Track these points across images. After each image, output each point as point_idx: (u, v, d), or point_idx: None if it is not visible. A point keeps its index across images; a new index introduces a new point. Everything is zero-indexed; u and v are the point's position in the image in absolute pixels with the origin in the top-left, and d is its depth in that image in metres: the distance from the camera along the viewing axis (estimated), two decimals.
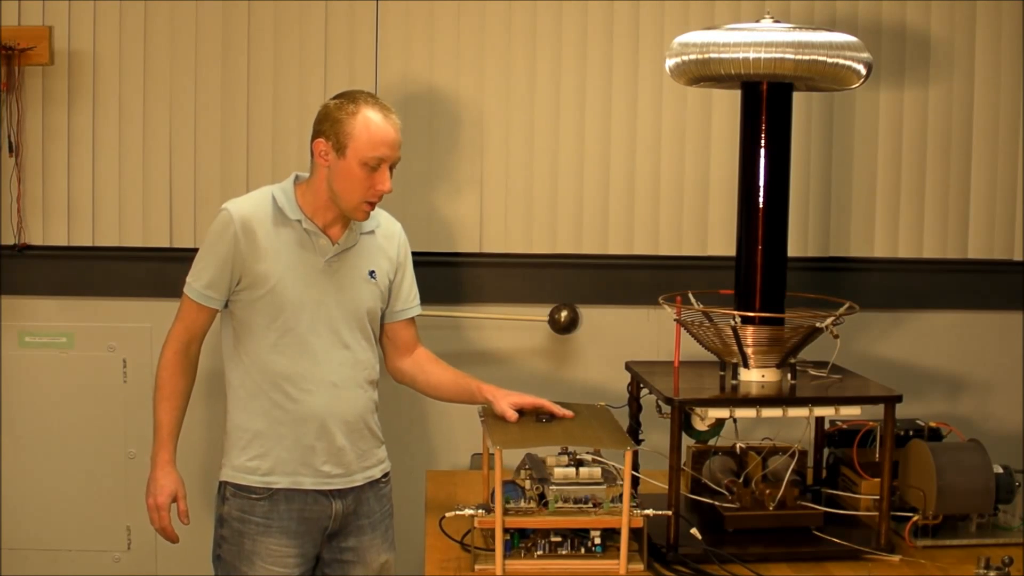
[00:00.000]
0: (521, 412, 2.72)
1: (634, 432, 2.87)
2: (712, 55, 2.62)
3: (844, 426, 2.88)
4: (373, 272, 2.81)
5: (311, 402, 2.74)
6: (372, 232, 2.82)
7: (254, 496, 2.74)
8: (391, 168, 2.69)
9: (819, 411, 2.65)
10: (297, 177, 2.79)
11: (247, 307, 2.73)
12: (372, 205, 2.71)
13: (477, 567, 2.47)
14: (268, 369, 2.73)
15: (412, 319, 2.93)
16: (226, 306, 2.77)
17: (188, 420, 2.81)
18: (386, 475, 2.90)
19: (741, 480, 2.73)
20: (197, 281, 2.74)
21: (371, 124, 2.65)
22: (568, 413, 2.72)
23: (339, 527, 2.81)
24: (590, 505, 2.47)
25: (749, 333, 2.68)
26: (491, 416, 2.74)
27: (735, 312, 2.71)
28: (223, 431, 2.80)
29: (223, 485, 2.79)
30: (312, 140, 2.72)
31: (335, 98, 2.71)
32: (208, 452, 3.30)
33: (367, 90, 2.80)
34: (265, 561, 2.74)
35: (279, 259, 2.72)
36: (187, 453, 2.91)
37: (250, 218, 2.71)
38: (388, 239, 2.86)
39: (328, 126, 2.68)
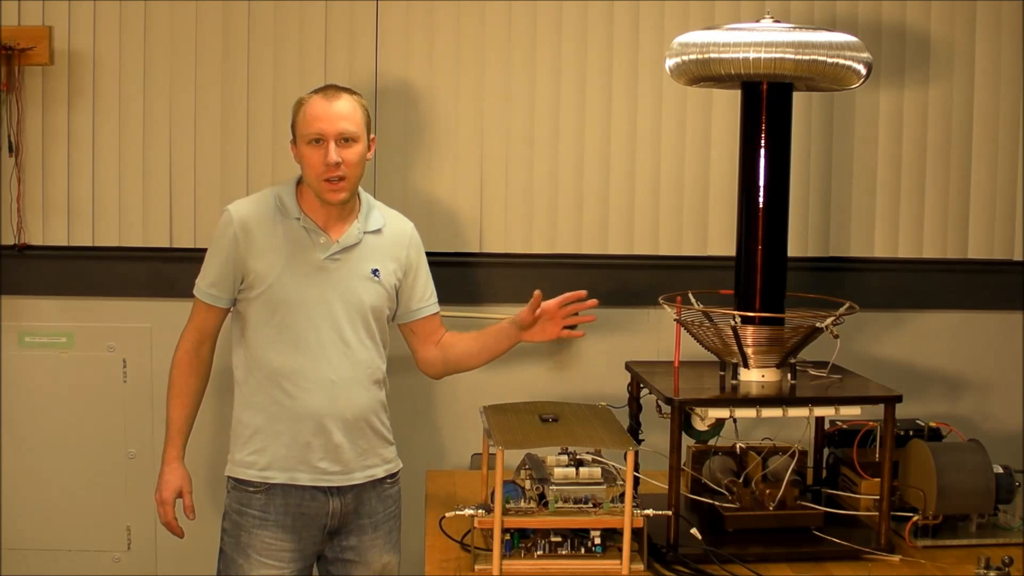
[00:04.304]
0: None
1: (634, 432, 2.86)
2: (712, 55, 2.62)
3: (844, 426, 2.87)
4: (376, 271, 2.83)
5: (308, 399, 2.76)
6: (379, 231, 2.86)
7: (251, 490, 2.79)
8: (346, 142, 2.73)
9: (819, 411, 2.65)
10: (301, 178, 2.84)
11: (248, 304, 2.79)
12: (333, 182, 2.74)
13: (477, 567, 2.47)
14: (267, 366, 2.77)
15: (435, 315, 2.97)
16: (235, 304, 2.82)
17: (199, 417, 2.86)
18: (392, 476, 2.90)
19: (741, 480, 2.73)
20: (203, 281, 2.83)
21: (309, 106, 2.77)
22: (592, 301, 2.86)
23: (339, 525, 2.83)
24: (590, 505, 2.47)
25: (749, 333, 2.68)
26: (493, 415, 2.73)
27: (735, 312, 2.71)
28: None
29: (228, 479, 2.84)
30: None
31: None
32: (217, 449, 3.30)
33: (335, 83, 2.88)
34: (260, 554, 2.76)
35: (277, 257, 2.77)
36: (196, 450, 2.94)
37: (249, 217, 2.78)
38: (397, 239, 2.89)
39: (291, 126, 2.82)
